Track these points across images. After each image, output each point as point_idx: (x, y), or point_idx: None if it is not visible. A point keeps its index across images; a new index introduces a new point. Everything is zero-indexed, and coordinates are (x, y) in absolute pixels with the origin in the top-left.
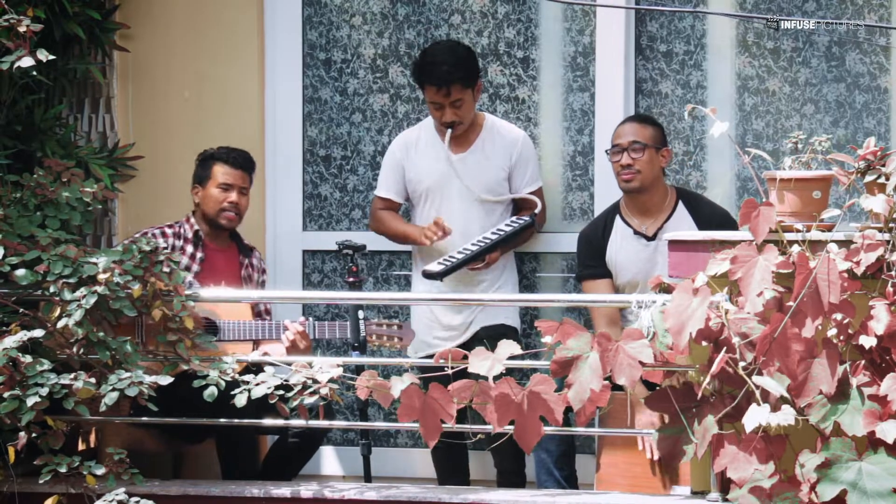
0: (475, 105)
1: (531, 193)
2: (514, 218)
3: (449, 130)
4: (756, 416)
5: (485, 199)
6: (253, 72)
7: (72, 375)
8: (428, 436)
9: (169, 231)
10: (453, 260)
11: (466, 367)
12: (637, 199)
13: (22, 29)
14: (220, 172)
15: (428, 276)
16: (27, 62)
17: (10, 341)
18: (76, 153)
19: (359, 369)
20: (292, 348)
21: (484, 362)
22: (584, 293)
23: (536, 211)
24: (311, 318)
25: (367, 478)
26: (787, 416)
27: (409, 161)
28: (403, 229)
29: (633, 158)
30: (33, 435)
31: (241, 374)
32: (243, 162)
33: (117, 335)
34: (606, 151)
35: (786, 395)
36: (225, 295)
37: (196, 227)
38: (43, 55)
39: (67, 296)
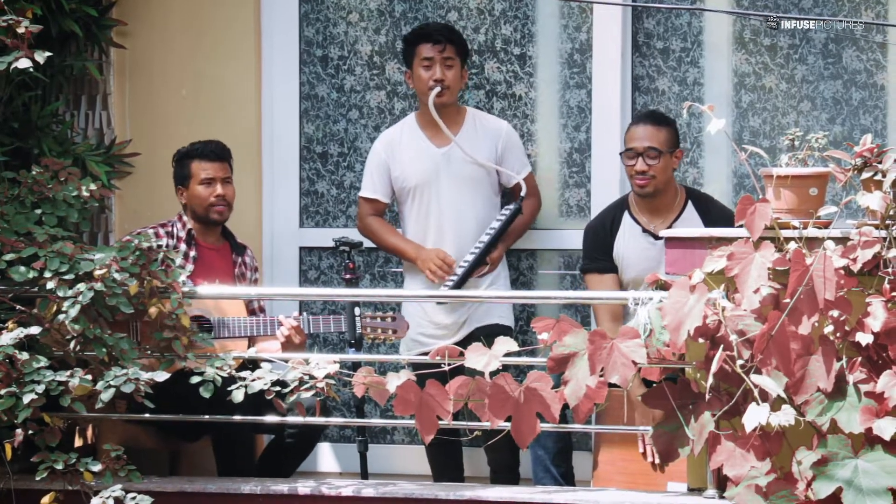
0: (460, 87)
1: (524, 180)
2: (501, 211)
3: (436, 90)
4: (756, 416)
5: (483, 163)
6: (250, 68)
7: (68, 372)
8: (424, 431)
9: (162, 231)
10: (455, 277)
11: (461, 365)
12: (648, 200)
13: (20, 30)
14: (200, 168)
15: (442, 303)
16: (24, 63)
17: (7, 338)
18: (73, 150)
19: (355, 366)
20: (287, 344)
21: (480, 358)
22: (586, 286)
23: (522, 194)
24: (305, 313)
25: (364, 474)
26: (787, 415)
27: (394, 159)
28: (397, 245)
29: (648, 165)
30: (30, 432)
31: (237, 370)
32: (219, 152)
33: (112, 333)
34: (621, 154)
35: (783, 394)
36: (221, 292)
37: (189, 225)
38: (41, 56)
39: (64, 292)
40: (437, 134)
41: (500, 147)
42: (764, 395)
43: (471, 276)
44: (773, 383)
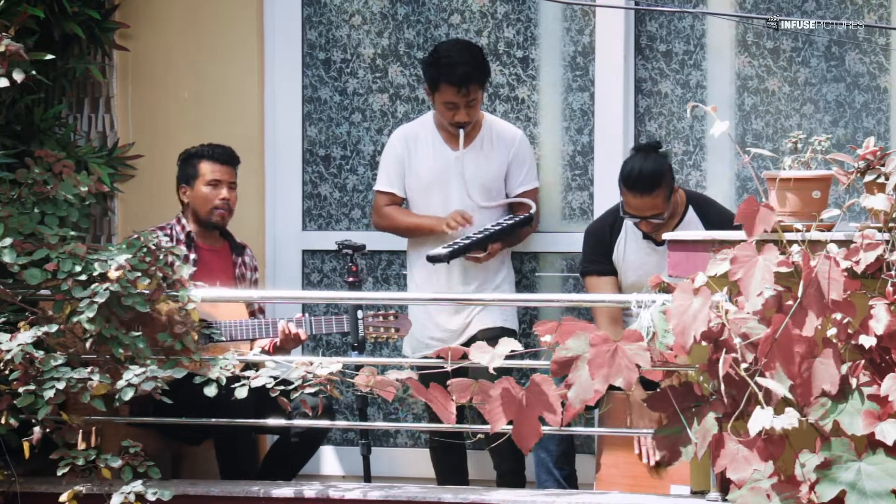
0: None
1: (526, 193)
2: (513, 216)
3: (461, 131)
4: (760, 420)
5: (483, 205)
6: (252, 71)
7: (88, 370)
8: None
9: (161, 234)
10: (458, 244)
11: (463, 368)
12: None
13: (0, 48)
14: (208, 170)
15: (434, 259)
16: (2, 83)
17: (25, 336)
18: (75, 153)
19: (358, 369)
20: (284, 341)
21: (484, 355)
22: (586, 289)
23: (532, 212)
24: (307, 314)
25: (367, 478)
26: (790, 419)
27: (410, 156)
28: (416, 221)
29: (655, 224)
30: (48, 430)
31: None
32: (229, 157)
33: (127, 332)
34: (624, 215)
35: (789, 395)
36: (225, 295)
37: (188, 227)
38: (19, 76)
39: (79, 293)
40: (452, 137)
41: (510, 155)
42: (769, 398)
43: (467, 253)
44: (778, 385)
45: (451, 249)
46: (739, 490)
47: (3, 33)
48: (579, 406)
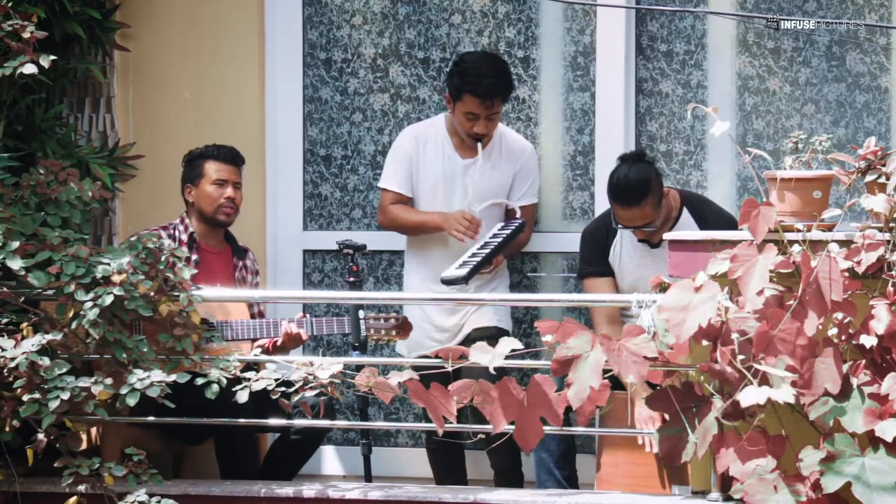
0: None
1: (524, 208)
2: (505, 224)
3: (479, 144)
4: (753, 396)
5: (479, 209)
6: (253, 71)
7: (92, 379)
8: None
9: (163, 233)
10: (471, 263)
11: (462, 368)
12: None
13: (26, 35)
14: (213, 169)
15: (450, 282)
16: (30, 69)
17: (30, 344)
18: (76, 153)
19: (359, 369)
20: (286, 340)
21: (485, 355)
22: (585, 291)
23: (518, 215)
24: (308, 315)
25: (368, 477)
26: (785, 393)
27: (418, 156)
28: (421, 218)
29: (648, 232)
30: (51, 437)
31: (241, 372)
32: (234, 157)
33: (131, 336)
34: (616, 226)
35: (788, 375)
36: (227, 294)
37: (191, 228)
38: (46, 61)
39: (82, 296)
40: (462, 144)
41: (517, 167)
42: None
43: (479, 271)
44: (776, 369)
45: (466, 271)
46: (742, 485)
47: (28, 21)
48: (580, 405)
